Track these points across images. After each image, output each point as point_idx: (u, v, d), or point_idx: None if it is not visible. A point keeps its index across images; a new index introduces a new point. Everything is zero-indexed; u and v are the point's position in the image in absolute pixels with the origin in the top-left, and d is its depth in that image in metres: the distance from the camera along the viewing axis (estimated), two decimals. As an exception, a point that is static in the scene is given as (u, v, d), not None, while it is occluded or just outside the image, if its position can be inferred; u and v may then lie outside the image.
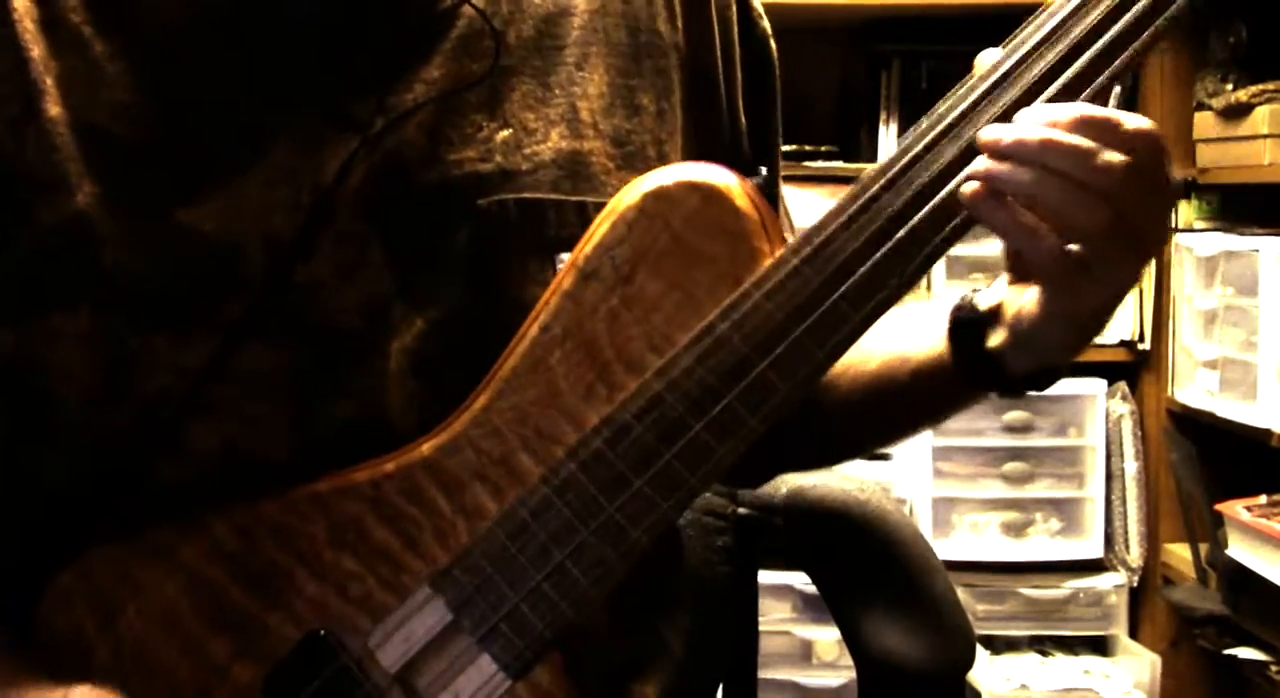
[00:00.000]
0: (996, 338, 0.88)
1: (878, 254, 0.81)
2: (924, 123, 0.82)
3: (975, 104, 0.81)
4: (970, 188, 0.79)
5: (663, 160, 0.95)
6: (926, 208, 0.81)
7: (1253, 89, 2.33)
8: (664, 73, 0.96)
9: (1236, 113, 2.37)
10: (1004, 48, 0.82)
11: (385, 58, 0.88)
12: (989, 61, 0.82)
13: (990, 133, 0.79)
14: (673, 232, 0.84)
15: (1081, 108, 0.79)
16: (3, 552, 0.87)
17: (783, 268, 0.82)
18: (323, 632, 0.84)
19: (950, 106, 0.81)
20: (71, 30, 0.84)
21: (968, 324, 0.90)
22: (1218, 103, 2.41)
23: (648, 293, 0.84)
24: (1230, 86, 2.39)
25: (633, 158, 0.93)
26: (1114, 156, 0.77)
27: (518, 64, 0.91)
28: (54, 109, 0.83)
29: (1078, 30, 0.80)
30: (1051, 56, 0.81)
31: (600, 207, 0.90)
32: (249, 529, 0.84)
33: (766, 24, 1.04)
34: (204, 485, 0.84)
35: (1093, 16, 0.80)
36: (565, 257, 0.89)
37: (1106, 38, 0.80)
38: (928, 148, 0.81)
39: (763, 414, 0.82)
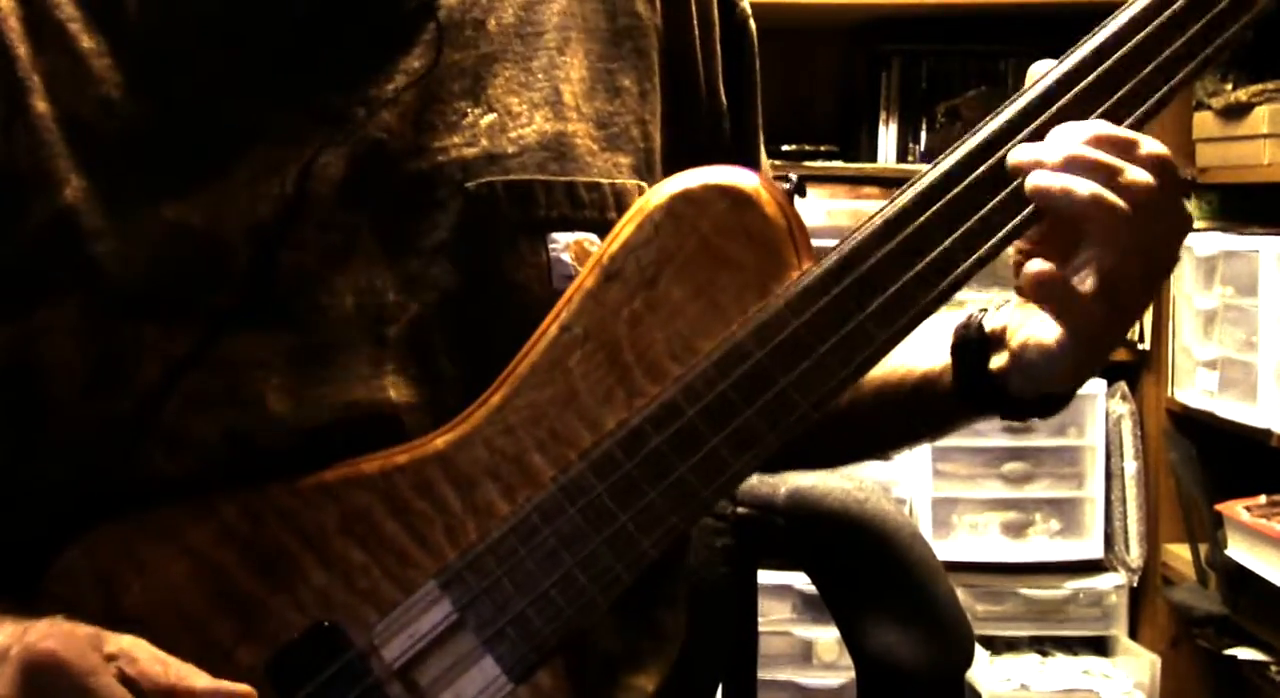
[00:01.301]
0: (998, 360, 0.87)
1: (908, 273, 0.81)
2: (961, 142, 0.82)
3: (1012, 124, 0.81)
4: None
5: (647, 140, 0.95)
6: (960, 229, 0.81)
7: (1253, 89, 2.33)
8: (644, 54, 0.96)
9: (1236, 112, 2.37)
10: (1055, 63, 0.82)
11: (366, 51, 0.89)
12: (1037, 73, 0.82)
13: (1017, 155, 0.80)
14: (700, 235, 0.84)
15: (1101, 126, 0.79)
16: (2, 543, 0.87)
17: (809, 282, 0.81)
18: (328, 624, 0.84)
19: (987, 126, 0.81)
20: (57, 27, 0.86)
21: (970, 344, 0.89)
22: (1217, 102, 2.41)
23: (672, 297, 0.84)
24: (1230, 86, 2.39)
25: (616, 139, 0.94)
26: (1138, 175, 0.78)
27: (499, 50, 0.92)
28: (41, 105, 0.85)
29: (1120, 53, 0.80)
30: (1091, 80, 0.80)
31: (589, 185, 0.91)
32: (258, 514, 0.84)
33: (746, 5, 1.04)
34: (207, 477, 0.85)
35: (1136, 40, 0.80)
36: (557, 236, 0.89)
37: (1151, 67, 0.80)
38: (962, 167, 0.81)
39: (781, 430, 0.81)
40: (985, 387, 0.88)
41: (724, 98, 1.01)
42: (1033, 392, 0.86)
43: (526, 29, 0.93)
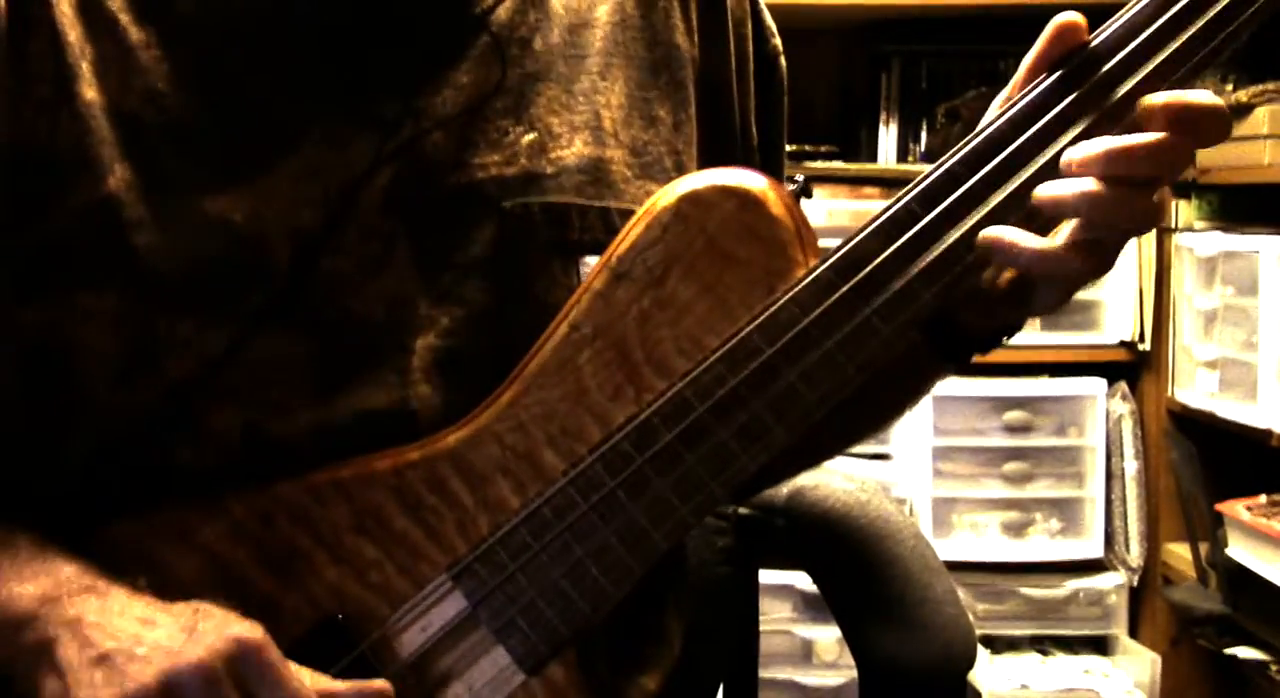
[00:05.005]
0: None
1: (912, 270, 0.81)
2: (965, 141, 0.82)
3: (1015, 124, 0.81)
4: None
5: (679, 170, 0.96)
6: (961, 225, 0.81)
7: (1253, 89, 2.33)
8: (681, 85, 0.97)
9: (1236, 113, 2.37)
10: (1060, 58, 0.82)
11: (415, 61, 0.89)
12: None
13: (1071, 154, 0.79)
14: (707, 235, 0.85)
15: (1182, 98, 0.78)
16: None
17: (815, 278, 0.82)
18: (340, 617, 0.84)
19: (990, 127, 0.82)
20: (108, 17, 0.86)
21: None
22: (1218, 103, 2.41)
23: (679, 296, 0.85)
24: (1230, 86, 2.39)
25: (650, 167, 0.94)
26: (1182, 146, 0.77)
27: (543, 70, 0.93)
28: (89, 92, 0.85)
29: (1125, 52, 0.80)
30: (1101, 74, 0.81)
31: (623, 212, 0.91)
32: (269, 511, 0.85)
33: (778, 41, 1.05)
34: (224, 469, 0.85)
35: (1134, 45, 0.80)
36: (589, 259, 0.90)
37: (1140, 74, 0.80)
38: (965, 166, 0.82)
39: (789, 423, 0.82)
40: (946, 325, 0.88)
41: (755, 131, 1.02)
42: (1018, 316, 0.87)
43: (571, 51, 0.94)
